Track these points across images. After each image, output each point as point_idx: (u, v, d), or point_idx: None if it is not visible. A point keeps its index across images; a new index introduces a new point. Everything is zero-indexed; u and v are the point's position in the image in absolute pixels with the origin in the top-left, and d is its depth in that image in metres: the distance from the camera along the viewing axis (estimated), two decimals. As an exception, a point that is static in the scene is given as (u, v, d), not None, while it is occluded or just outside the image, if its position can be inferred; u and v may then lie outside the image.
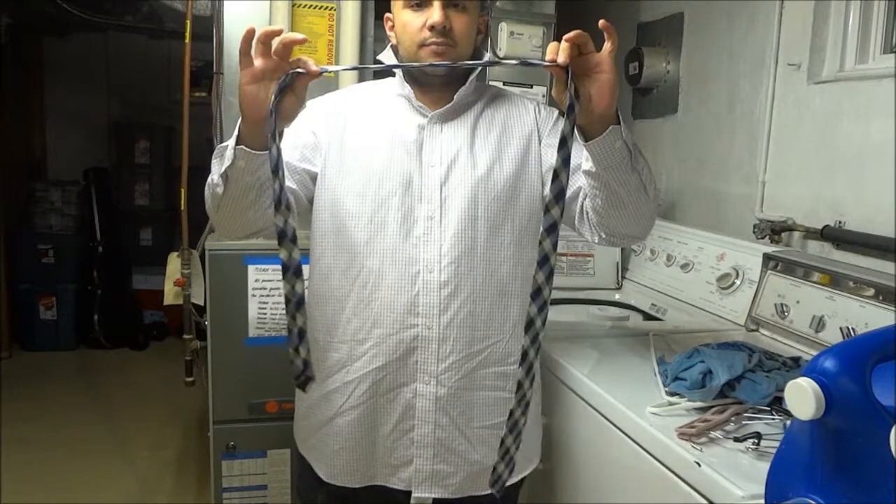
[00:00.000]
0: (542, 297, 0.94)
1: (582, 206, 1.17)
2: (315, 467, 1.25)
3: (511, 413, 1.00)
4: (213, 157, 1.08)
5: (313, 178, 1.20)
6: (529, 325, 0.96)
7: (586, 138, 1.02)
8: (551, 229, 0.93)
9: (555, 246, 0.93)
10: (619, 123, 1.00)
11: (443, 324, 1.15)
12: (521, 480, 1.29)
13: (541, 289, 0.93)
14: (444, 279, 1.14)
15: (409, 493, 1.20)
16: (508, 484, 1.21)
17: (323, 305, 1.21)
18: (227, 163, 1.02)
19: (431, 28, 1.12)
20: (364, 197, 1.16)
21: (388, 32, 1.24)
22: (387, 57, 1.24)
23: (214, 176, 1.07)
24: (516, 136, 1.21)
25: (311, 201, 1.22)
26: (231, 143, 1.02)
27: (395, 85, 1.23)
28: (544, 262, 0.93)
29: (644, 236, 1.20)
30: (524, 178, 1.20)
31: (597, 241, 1.18)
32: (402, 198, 1.15)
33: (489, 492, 1.18)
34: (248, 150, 1.01)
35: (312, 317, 1.23)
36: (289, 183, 1.13)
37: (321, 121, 1.21)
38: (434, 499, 1.20)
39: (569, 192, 1.12)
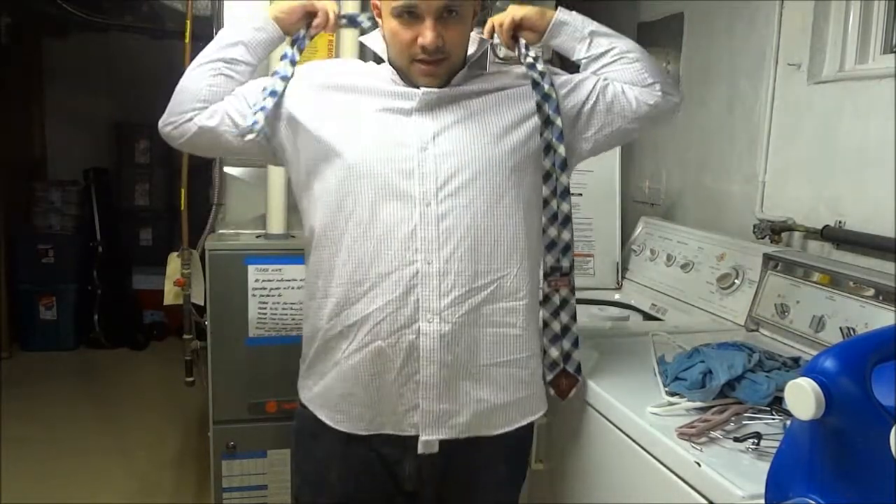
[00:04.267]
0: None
1: (623, 90, 1.23)
2: (319, 415, 1.22)
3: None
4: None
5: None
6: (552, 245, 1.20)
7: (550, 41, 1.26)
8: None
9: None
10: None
11: (443, 258, 1.11)
12: (531, 425, 1.27)
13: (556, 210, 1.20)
14: (441, 212, 1.11)
15: (416, 438, 1.16)
16: (519, 425, 1.22)
17: (319, 250, 1.19)
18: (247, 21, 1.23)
19: (423, 48, 1.10)
20: (355, 133, 1.14)
21: (377, 19, 1.20)
22: (374, 40, 1.23)
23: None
24: (517, 90, 1.21)
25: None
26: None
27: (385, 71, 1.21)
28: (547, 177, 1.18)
29: (671, 91, 1.27)
30: (526, 110, 1.19)
31: (659, 96, 1.24)
32: (393, 128, 1.14)
33: (498, 432, 1.20)
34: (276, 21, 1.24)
35: (310, 263, 1.23)
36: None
37: (302, 95, 1.21)
38: (441, 441, 1.16)
39: (600, 87, 1.24)
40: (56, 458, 2.83)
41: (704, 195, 2.14)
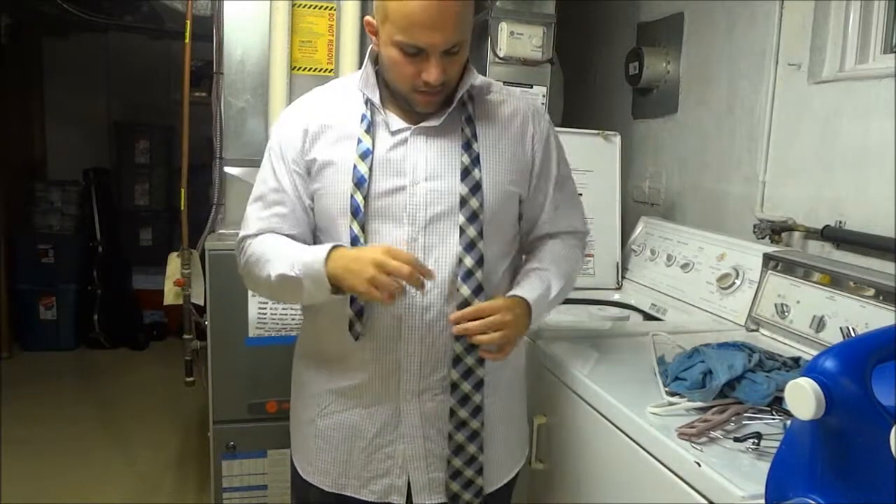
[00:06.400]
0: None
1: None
2: (294, 460, 1.29)
3: (450, 436, 1.15)
4: (285, 262, 1.11)
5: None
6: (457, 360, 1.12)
7: None
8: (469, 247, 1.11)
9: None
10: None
11: (426, 346, 1.13)
12: (510, 482, 1.29)
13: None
14: (426, 303, 1.12)
15: None
16: (494, 489, 1.23)
17: (323, 315, 1.20)
18: (312, 293, 1.10)
19: (426, 83, 1.06)
20: (346, 218, 1.12)
21: (371, 37, 1.13)
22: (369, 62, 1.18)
23: (276, 272, 1.11)
24: (507, 150, 1.17)
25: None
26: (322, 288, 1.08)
27: (372, 102, 1.15)
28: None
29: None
30: (509, 195, 1.17)
31: None
32: (382, 219, 1.12)
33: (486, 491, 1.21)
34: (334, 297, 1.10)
35: (317, 315, 1.23)
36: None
37: (299, 150, 1.17)
38: None
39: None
40: (56, 458, 2.83)
41: (704, 195, 2.14)
